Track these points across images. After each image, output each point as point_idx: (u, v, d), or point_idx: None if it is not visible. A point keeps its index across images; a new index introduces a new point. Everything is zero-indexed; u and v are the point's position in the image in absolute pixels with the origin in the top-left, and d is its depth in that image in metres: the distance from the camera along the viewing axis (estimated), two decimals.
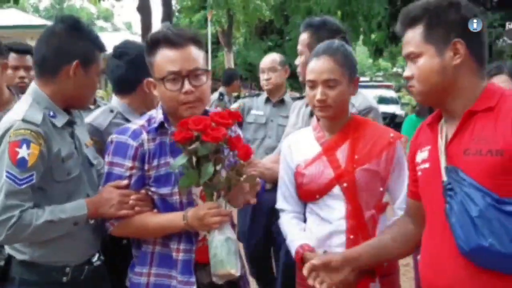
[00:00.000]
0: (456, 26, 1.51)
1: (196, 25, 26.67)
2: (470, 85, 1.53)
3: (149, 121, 1.82)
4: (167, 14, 12.38)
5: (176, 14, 24.88)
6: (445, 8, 1.53)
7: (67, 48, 1.83)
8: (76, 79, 1.83)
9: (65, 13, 47.60)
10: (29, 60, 3.04)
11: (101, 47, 1.92)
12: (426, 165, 1.61)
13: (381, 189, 1.90)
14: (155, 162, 1.77)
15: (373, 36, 14.69)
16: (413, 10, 1.57)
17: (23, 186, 1.68)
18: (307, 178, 1.92)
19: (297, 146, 2.00)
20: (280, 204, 2.03)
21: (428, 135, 1.65)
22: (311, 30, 2.44)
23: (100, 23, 53.32)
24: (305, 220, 2.01)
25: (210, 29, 21.16)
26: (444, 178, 1.50)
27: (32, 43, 2.36)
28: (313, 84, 1.90)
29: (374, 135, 1.92)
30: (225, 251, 1.64)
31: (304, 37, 2.46)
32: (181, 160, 1.62)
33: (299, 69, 2.47)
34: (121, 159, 1.77)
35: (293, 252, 1.91)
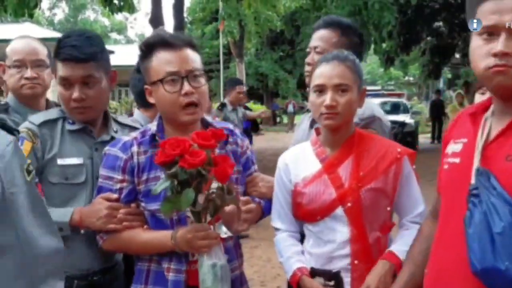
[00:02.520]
0: None
1: (208, 36, 26.90)
2: None
3: (143, 133, 1.77)
4: (179, 26, 12.50)
5: (188, 26, 25.08)
6: None
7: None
8: None
9: (79, 26, 48.24)
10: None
11: (57, 55, 1.87)
12: (456, 160, 1.39)
13: (388, 208, 1.77)
14: (144, 176, 1.71)
15: (384, 45, 14.68)
16: None
17: None
18: (307, 198, 1.77)
19: (295, 162, 1.85)
20: (274, 222, 1.91)
21: (467, 126, 1.40)
22: (338, 30, 2.16)
23: (113, 35, 53.89)
24: (301, 240, 1.89)
25: (221, 40, 21.31)
26: (473, 181, 1.29)
27: None
28: (322, 89, 1.75)
29: (380, 150, 1.77)
30: (211, 278, 1.57)
31: (329, 35, 2.15)
32: (163, 184, 1.53)
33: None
34: (111, 172, 1.74)
35: (288, 272, 1.81)
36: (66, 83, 1.85)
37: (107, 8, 10.31)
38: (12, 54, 2.25)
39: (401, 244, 1.73)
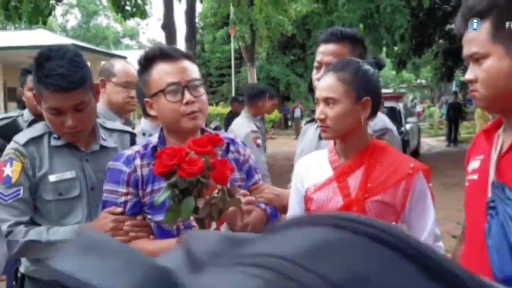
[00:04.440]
0: None
1: (219, 41, 27.03)
2: None
3: (145, 146, 1.78)
4: (191, 32, 12.58)
5: (200, 31, 25.19)
6: None
7: None
8: (42, 110, 1.88)
9: (92, 32, 48.64)
10: None
11: (44, 85, 1.75)
12: (475, 176, 1.45)
13: (393, 223, 1.69)
14: (149, 188, 1.73)
15: (396, 48, 14.61)
16: (479, 3, 1.36)
17: (10, 201, 1.78)
18: (314, 205, 1.77)
19: (309, 168, 1.85)
20: None
21: (483, 143, 1.48)
22: (350, 44, 2.12)
23: (126, 41, 54.33)
24: None
25: (233, 45, 21.38)
26: (489, 194, 1.34)
27: None
28: (317, 102, 1.78)
29: (393, 164, 1.73)
30: None
31: (341, 50, 2.10)
32: (163, 194, 1.52)
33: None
34: (115, 186, 1.75)
35: None
36: (55, 112, 1.79)
37: (120, 14, 10.40)
38: (124, 75, 2.79)
39: None
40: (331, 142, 1.87)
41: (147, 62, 1.75)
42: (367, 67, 1.77)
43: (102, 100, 2.82)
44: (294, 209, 1.86)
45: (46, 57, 1.78)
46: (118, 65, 2.85)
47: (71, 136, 1.85)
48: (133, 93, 2.82)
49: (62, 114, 1.78)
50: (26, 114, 3.11)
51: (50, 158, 1.85)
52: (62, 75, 1.73)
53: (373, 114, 1.78)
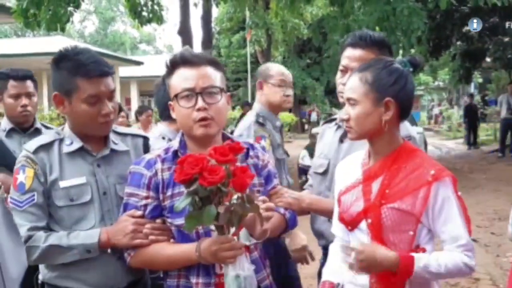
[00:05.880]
0: None
1: (235, 45, 27.11)
2: None
3: (166, 150, 1.80)
4: (207, 36, 12.64)
5: (216, 36, 25.30)
6: None
7: (53, 82, 1.90)
8: (65, 110, 1.87)
9: (109, 38, 49.15)
10: (30, 86, 2.91)
11: (83, 73, 1.81)
12: None
13: (411, 233, 1.64)
14: (169, 192, 1.74)
15: (413, 50, 14.48)
16: None
17: (25, 207, 1.81)
18: (342, 207, 1.77)
19: (345, 169, 1.85)
20: (333, 228, 1.91)
21: None
22: (377, 50, 2.08)
23: (143, 46, 54.83)
24: None
25: (249, 49, 21.43)
26: None
27: None
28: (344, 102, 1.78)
29: (414, 170, 1.66)
30: None
31: (367, 56, 2.05)
32: (184, 201, 1.54)
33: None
34: (136, 189, 1.77)
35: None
36: (94, 100, 1.82)
37: (136, 20, 10.49)
38: (279, 75, 3.03)
39: (430, 258, 1.61)
40: (358, 143, 1.84)
41: (171, 66, 1.78)
42: (395, 67, 1.70)
43: (260, 101, 3.10)
44: (336, 208, 1.85)
45: (75, 52, 1.86)
46: (273, 67, 3.10)
47: (105, 126, 1.88)
48: (289, 91, 3.08)
49: (99, 102, 1.83)
50: (4, 123, 2.93)
51: (61, 164, 1.86)
52: (97, 62, 1.84)
53: (402, 116, 1.72)
